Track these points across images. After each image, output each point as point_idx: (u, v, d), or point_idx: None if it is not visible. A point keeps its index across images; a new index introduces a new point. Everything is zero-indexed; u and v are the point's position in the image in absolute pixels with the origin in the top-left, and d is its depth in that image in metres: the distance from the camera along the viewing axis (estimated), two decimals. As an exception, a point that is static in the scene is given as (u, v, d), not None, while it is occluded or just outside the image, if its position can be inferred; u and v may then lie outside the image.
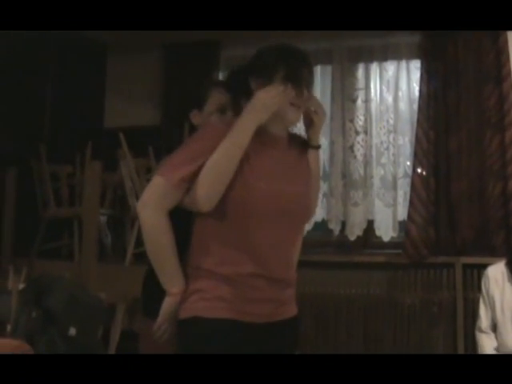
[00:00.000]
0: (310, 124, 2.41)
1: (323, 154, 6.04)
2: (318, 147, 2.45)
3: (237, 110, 2.60)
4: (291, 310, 2.37)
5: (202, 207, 2.18)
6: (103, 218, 5.88)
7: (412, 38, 5.81)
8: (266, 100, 2.21)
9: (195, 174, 2.15)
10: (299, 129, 2.62)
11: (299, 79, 2.27)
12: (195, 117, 2.82)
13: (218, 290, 2.19)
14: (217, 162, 2.15)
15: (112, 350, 3.86)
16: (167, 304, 2.26)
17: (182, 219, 2.20)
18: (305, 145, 2.43)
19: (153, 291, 2.53)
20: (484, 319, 4.13)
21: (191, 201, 2.18)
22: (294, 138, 2.44)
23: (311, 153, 2.44)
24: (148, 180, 5.04)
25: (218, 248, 2.21)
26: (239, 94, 2.42)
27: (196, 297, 2.21)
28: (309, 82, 2.32)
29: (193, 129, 2.87)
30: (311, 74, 2.34)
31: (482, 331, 4.10)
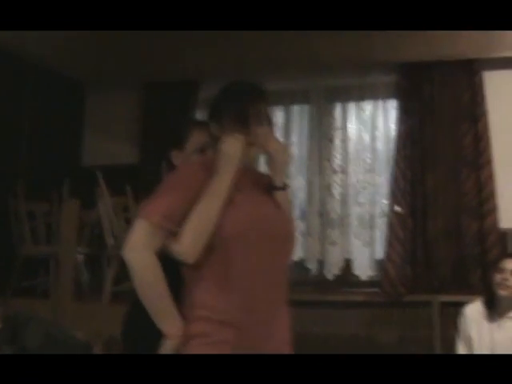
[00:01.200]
0: (271, 164, 2.34)
1: (300, 193, 6.07)
2: (282, 188, 2.37)
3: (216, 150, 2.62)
4: (287, 351, 2.38)
5: (188, 258, 2.15)
6: (80, 257, 5.83)
7: (389, 77, 5.90)
8: (229, 151, 2.20)
9: (176, 211, 2.14)
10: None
11: (245, 118, 2.25)
12: (176, 157, 2.82)
13: (220, 334, 2.14)
14: (199, 214, 2.14)
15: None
16: (167, 348, 2.16)
17: (171, 259, 2.18)
18: (271, 186, 2.36)
19: (134, 331, 2.51)
20: (461, 358, 4.13)
21: (177, 250, 2.14)
22: (260, 177, 2.40)
23: (279, 194, 2.37)
24: (126, 218, 5.10)
25: (215, 289, 2.18)
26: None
27: (197, 341, 2.15)
28: (259, 118, 2.28)
29: (171, 168, 2.87)
30: (262, 108, 2.30)
31: (459, 370, 4.09)
